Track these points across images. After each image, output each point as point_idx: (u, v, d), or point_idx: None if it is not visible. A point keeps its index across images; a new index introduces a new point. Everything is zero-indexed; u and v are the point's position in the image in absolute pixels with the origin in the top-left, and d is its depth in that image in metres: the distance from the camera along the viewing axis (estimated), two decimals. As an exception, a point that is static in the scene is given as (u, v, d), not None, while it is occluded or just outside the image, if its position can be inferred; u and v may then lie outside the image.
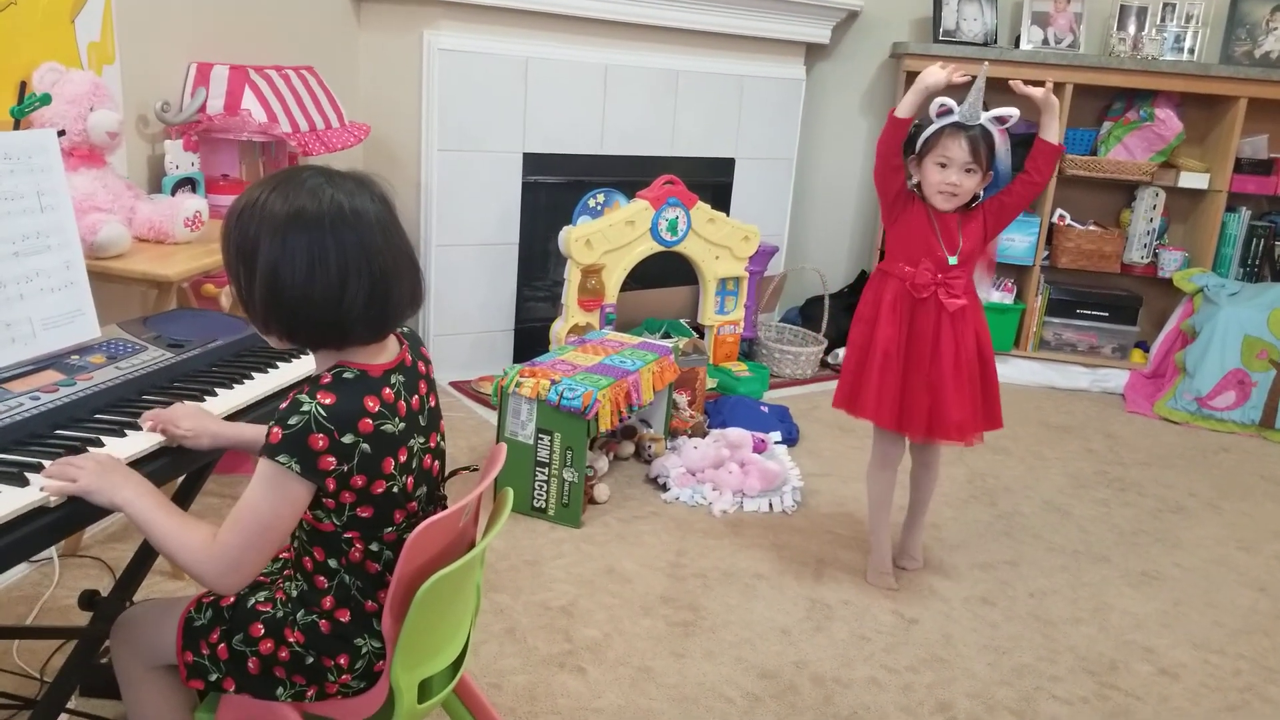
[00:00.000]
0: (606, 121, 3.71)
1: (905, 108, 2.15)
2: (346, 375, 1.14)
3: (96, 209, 1.97)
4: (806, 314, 4.34)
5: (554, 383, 2.46)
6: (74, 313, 1.53)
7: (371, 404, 1.13)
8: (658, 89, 3.79)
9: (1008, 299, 4.14)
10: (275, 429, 1.09)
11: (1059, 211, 4.10)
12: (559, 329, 3.43)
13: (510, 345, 3.73)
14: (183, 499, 1.75)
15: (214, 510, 2.38)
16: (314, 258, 1.09)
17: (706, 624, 2.12)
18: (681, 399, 3.13)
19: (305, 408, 1.09)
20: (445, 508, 1.31)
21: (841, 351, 4.06)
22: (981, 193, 2.19)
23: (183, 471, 1.35)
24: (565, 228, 3.38)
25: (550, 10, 3.42)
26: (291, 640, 1.20)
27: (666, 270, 3.78)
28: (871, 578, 2.37)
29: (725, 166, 4.09)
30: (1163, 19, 3.95)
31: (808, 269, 4.22)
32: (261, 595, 1.25)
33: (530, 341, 3.70)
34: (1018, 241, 4.07)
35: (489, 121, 3.44)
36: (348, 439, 1.10)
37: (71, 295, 1.52)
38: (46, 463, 1.14)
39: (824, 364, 4.05)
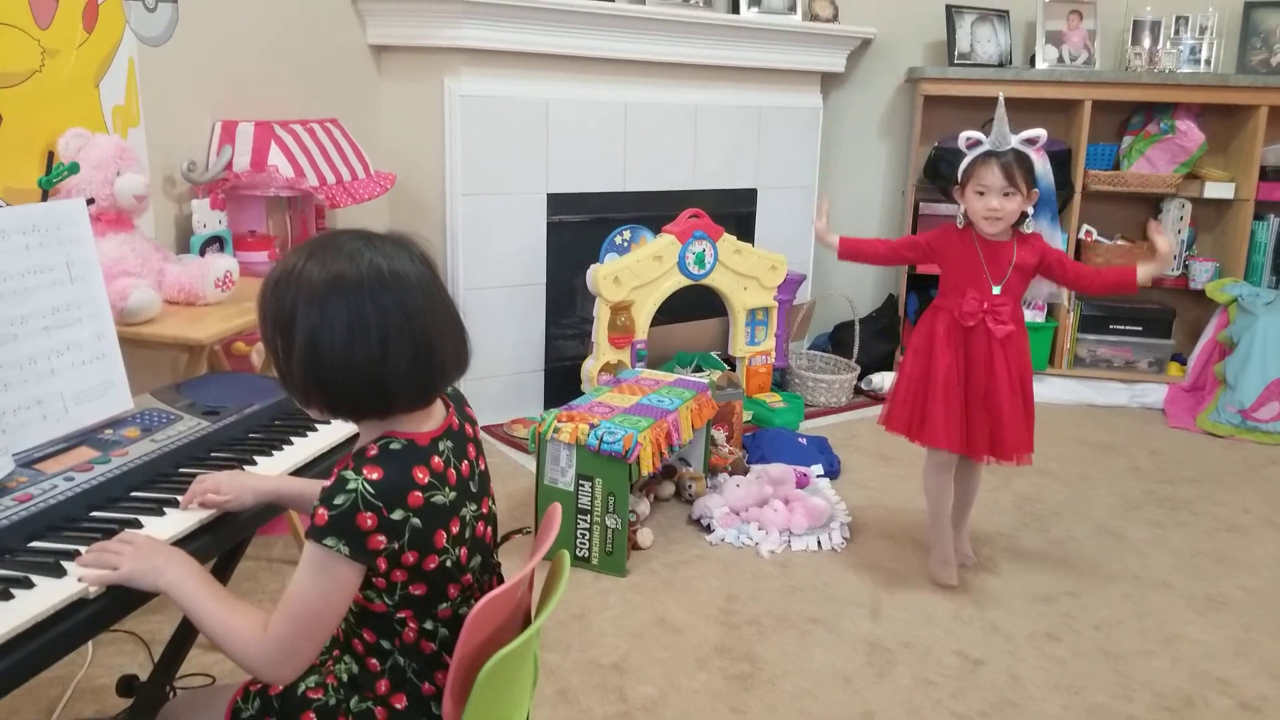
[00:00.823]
0: (629, 158, 3.69)
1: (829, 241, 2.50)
2: (393, 446, 1.09)
3: (126, 274, 1.95)
4: (836, 340, 4.29)
5: (593, 426, 2.41)
6: (106, 385, 1.49)
7: (421, 475, 1.08)
8: (678, 124, 3.77)
9: (1039, 317, 4.08)
10: (320, 510, 1.04)
11: (1085, 227, 4.05)
12: (590, 367, 3.38)
13: (541, 386, 3.68)
14: (222, 570, 1.71)
15: (250, 574, 2.33)
16: (353, 324, 1.05)
17: (765, 675, 2.06)
18: (719, 435, 3.07)
19: (351, 485, 1.04)
20: (500, 575, 1.26)
21: (877, 377, 4.06)
22: (1031, 210, 2.24)
23: (226, 547, 1.30)
24: (593, 265, 3.34)
25: (569, 53, 3.41)
26: (347, 729, 1.15)
27: (695, 303, 3.74)
28: (934, 568, 2.45)
29: (748, 197, 4.06)
30: (1176, 31, 3.91)
31: (836, 295, 4.17)
32: (312, 680, 1.20)
33: (561, 381, 3.65)
34: (1046, 259, 4.01)
35: (512, 163, 3.42)
36: (397, 515, 1.05)
37: (103, 367, 1.48)
38: (83, 549, 1.10)
39: (857, 390, 3.99)
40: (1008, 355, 2.28)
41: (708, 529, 2.70)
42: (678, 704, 1.94)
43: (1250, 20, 3.86)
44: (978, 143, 2.24)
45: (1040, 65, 3.95)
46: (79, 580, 1.05)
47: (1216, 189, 3.86)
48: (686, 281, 3.48)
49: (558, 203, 3.56)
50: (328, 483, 1.06)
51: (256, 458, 1.44)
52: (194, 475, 1.34)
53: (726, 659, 2.11)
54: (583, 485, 2.43)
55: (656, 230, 3.50)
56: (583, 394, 3.43)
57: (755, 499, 2.74)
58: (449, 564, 1.12)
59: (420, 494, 1.07)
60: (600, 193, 3.65)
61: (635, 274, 3.35)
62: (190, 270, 2.02)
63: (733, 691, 1.99)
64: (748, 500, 2.74)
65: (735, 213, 3.99)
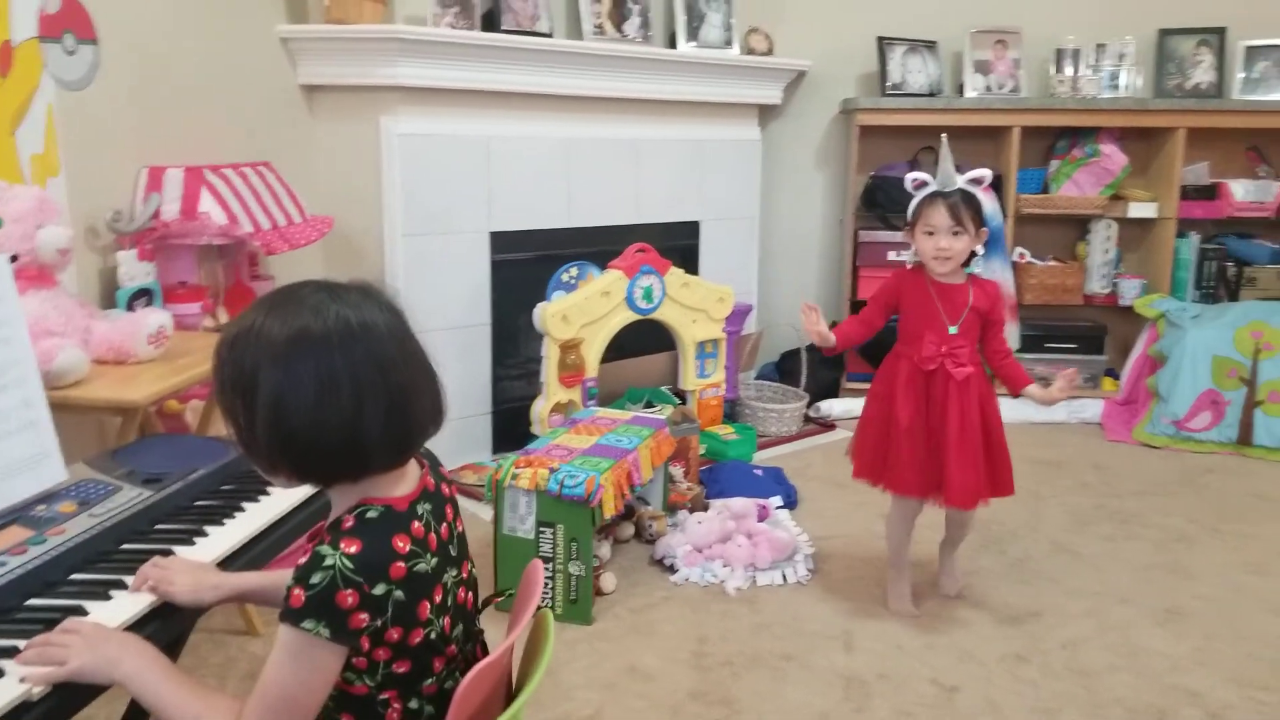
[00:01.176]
0: (572, 194, 3.66)
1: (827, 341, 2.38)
2: (370, 515, 1.02)
3: (49, 333, 1.83)
4: (783, 369, 4.30)
5: (553, 471, 2.36)
6: (37, 456, 1.39)
7: (401, 544, 1.02)
8: (620, 158, 3.76)
9: (978, 339, 4.15)
10: (296, 591, 0.96)
11: (1019, 250, 4.14)
12: (541, 408, 3.32)
13: (489, 429, 3.60)
14: (169, 651, 1.60)
15: (190, 648, 2.20)
16: (322, 381, 0.98)
17: (741, 719, 2.01)
18: (677, 471, 3.03)
19: (328, 561, 0.97)
20: (484, 643, 1.20)
21: (825, 404, 4.08)
22: (981, 250, 2.27)
23: (179, 631, 1.21)
24: (540, 304, 3.29)
25: (508, 89, 3.37)
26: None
27: (643, 338, 3.71)
28: (892, 604, 2.45)
29: (691, 230, 4.06)
30: (1097, 59, 4.04)
31: (782, 324, 4.19)
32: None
33: (509, 423, 3.58)
34: (983, 282, 4.09)
35: (453, 203, 3.36)
36: (379, 589, 0.98)
37: (33, 437, 1.39)
38: (22, 644, 1.00)
39: (806, 418, 4.00)
40: (961, 398, 2.25)
41: (671, 569, 2.65)
42: (657, 754, 1.89)
43: (1164, 46, 4.02)
44: (924, 184, 2.27)
45: (969, 94, 4.05)
46: (21, 681, 0.96)
47: (1140, 209, 3.99)
48: (635, 317, 3.45)
49: (501, 241, 3.51)
50: (302, 559, 0.99)
51: (207, 528, 1.36)
52: (138, 553, 1.25)
53: (702, 704, 2.06)
54: (544, 532, 2.37)
55: (603, 266, 3.47)
56: (533, 436, 3.38)
57: (718, 535, 2.71)
58: (433, 636, 1.06)
59: (403, 564, 1.01)
60: (544, 229, 3.61)
61: (584, 311, 3.31)
62: (119, 327, 1.91)
63: (712, 737, 1.95)
64: (711, 537, 2.70)
65: (679, 245, 3.99)
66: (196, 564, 1.22)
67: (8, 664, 0.98)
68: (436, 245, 3.36)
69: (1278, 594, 2.55)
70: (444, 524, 1.09)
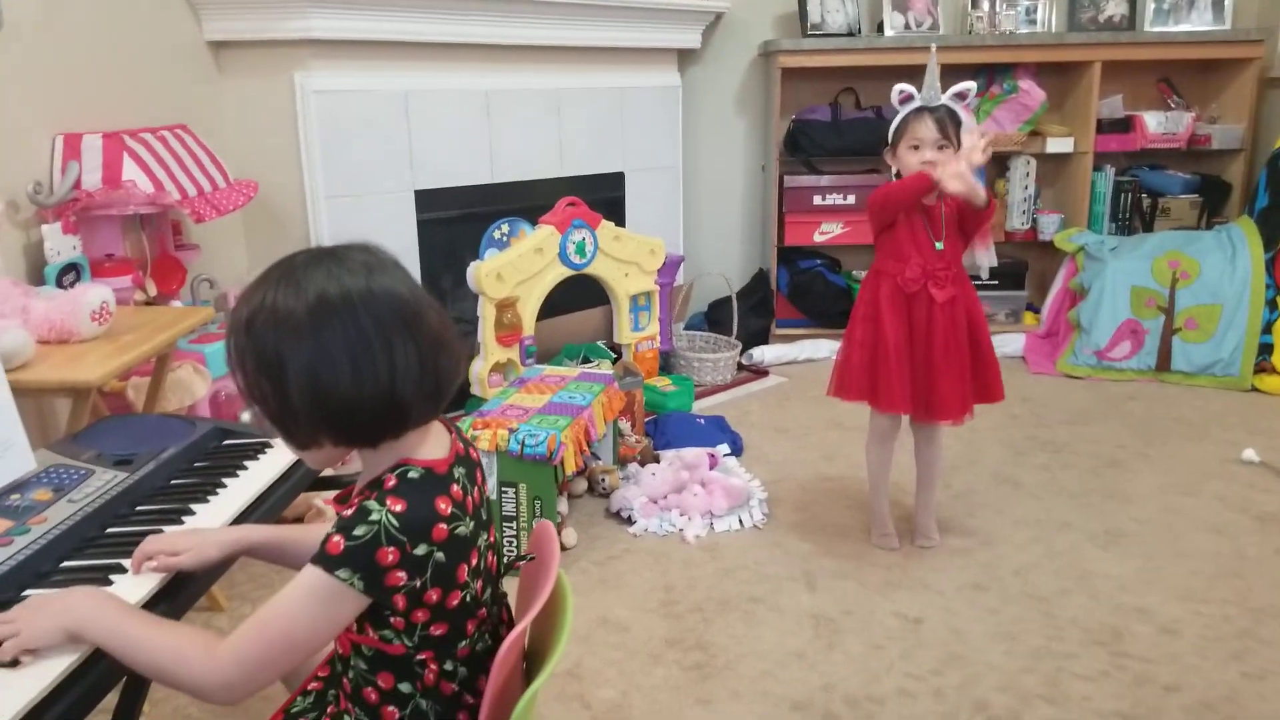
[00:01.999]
0: (495, 149, 3.56)
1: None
2: (412, 475, 1.00)
3: (-17, 314, 1.71)
4: (712, 318, 4.31)
5: (512, 431, 2.32)
6: (3, 445, 1.30)
7: (443, 506, 1.00)
8: (541, 110, 3.68)
9: (905, 279, 4.23)
10: (336, 538, 0.95)
11: (941, 189, 4.21)
12: (479, 369, 3.26)
13: (425, 393, 3.52)
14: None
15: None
16: (354, 346, 0.96)
17: (720, 661, 2.04)
18: (625, 425, 3.03)
19: (374, 516, 0.95)
20: (507, 605, 1.19)
21: (757, 352, 4.11)
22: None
23: (184, 611, 1.16)
24: (473, 263, 3.22)
25: (425, 39, 3.25)
26: (364, 785, 1.05)
27: (576, 294, 3.66)
28: (875, 539, 2.52)
29: (616, 181, 4.01)
30: (1009, -3, 4.11)
31: (712, 274, 4.19)
32: (325, 730, 1.09)
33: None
34: (907, 222, 4.15)
35: (375, 161, 3.24)
36: (421, 550, 0.97)
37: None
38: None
39: (740, 367, 4.02)
40: (947, 317, 2.27)
41: (629, 521, 2.66)
42: (642, 703, 1.90)
43: (1076, -20, 4.11)
44: (910, 98, 2.25)
45: (889, 33, 4.07)
46: None
47: (1057, 144, 4.10)
48: (569, 272, 3.40)
49: (426, 199, 3.40)
50: (347, 512, 0.97)
51: (193, 506, 1.30)
52: (128, 535, 1.20)
53: (679, 650, 2.08)
54: (505, 492, 2.34)
55: (533, 222, 3.40)
56: (472, 397, 3.33)
57: (672, 485, 2.72)
58: (469, 599, 1.05)
59: (445, 526, 0.99)
60: (468, 186, 3.52)
61: (518, 269, 3.25)
62: (59, 305, 1.79)
63: (693, 682, 1.97)
64: (665, 487, 2.71)
65: (605, 198, 3.93)
66: (194, 529, 1.18)
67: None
68: (361, 207, 3.24)
69: (1208, 513, 2.69)
70: (475, 488, 1.08)
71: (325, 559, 0.95)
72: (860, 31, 4.13)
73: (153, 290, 2.45)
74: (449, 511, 1.00)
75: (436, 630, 1.03)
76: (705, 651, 2.07)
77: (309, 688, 1.22)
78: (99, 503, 1.26)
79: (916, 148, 2.22)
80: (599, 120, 3.87)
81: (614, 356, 3.62)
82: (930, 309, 2.29)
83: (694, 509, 2.64)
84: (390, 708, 1.05)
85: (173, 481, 1.40)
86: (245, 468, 1.45)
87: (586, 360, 3.60)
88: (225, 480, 1.40)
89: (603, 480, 2.81)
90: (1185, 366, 3.74)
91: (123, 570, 1.12)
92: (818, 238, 4.19)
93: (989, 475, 2.97)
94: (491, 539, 1.12)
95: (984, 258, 2.50)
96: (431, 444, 1.06)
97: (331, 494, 1.18)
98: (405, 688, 1.05)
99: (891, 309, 2.31)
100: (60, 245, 2.11)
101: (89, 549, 1.17)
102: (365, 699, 1.06)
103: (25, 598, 1.05)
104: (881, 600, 2.27)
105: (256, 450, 1.51)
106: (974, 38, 4.03)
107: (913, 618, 2.19)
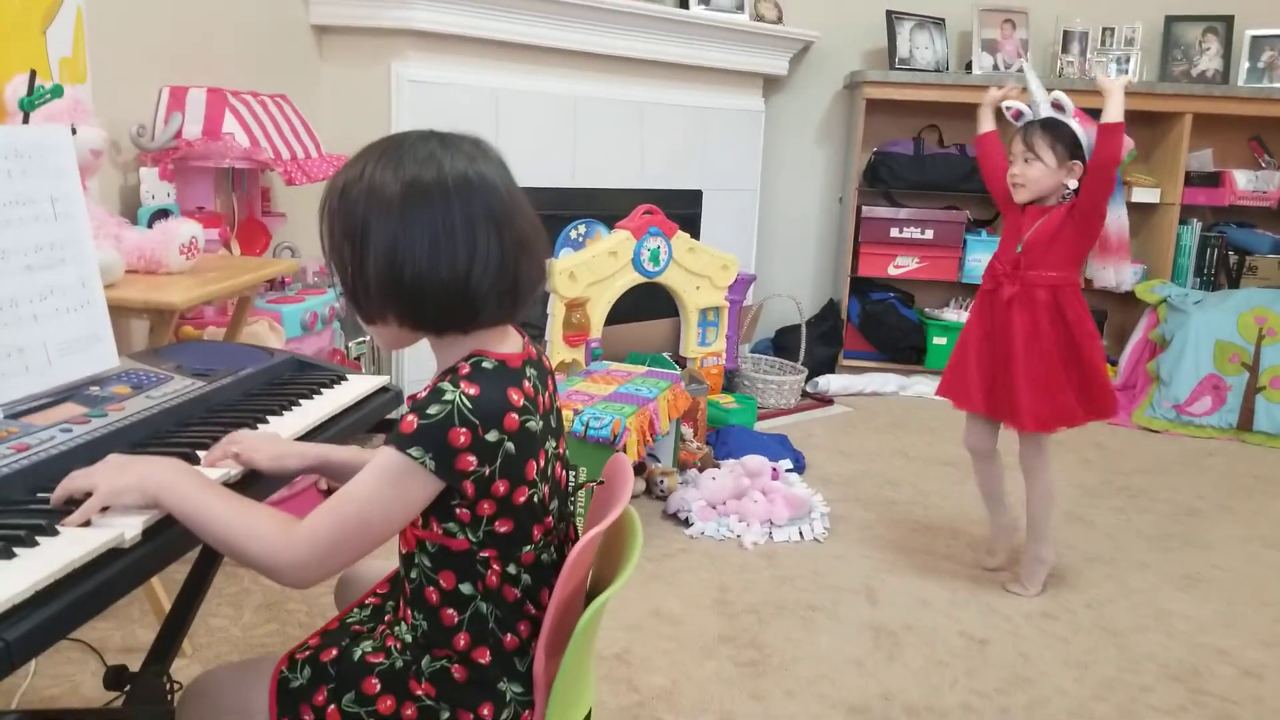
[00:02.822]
0: (577, 154, 3.60)
1: (979, 125, 2.39)
2: (485, 364, 0.99)
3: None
4: (779, 344, 4.27)
5: (577, 413, 2.30)
6: (91, 338, 1.31)
7: (515, 396, 0.98)
8: (625, 121, 3.71)
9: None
10: (410, 417, 0.94)
11: (1021, 231, 4.14)
12: (544, 367, 3.25)
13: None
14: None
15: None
16: (437, 233, 0.95)
17: (775, 661, 1.96)
18: (687, 430, 2.98)
19: (448, 396, 0.94)
20: (575, 525, 1.16)
21: (823, 380, 4.06)
22: (1074, 184, 2.22)
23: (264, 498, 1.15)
24: (548, 260, 3.22)
25: (518, 40, 3.31)
26: (419, 693, 1.01)
27: (645, 303, 3.65)
28: (984, 558, 2.47)
29: (693, 198, 4.02)
30: (1103, 43, 4.07)
31: (783, 296, 4.16)
32: (367, 645, 1.06)
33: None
34: (983, 262, 4.07)
35: (459, 155, 3.28)
36: (492, 436, 0.95)
37: (88, 318, 1.31)
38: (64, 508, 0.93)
39: (804, 394, 3.97)
40: (1028, 316, 2.20)
41: (686, 523, 2.60)
42: (692, 692, 1.83)
43: (1171, 33, 4.05)
44: (1019, 114, 2.26)
45: (976, 71, 4.05)
46: (61, 526, 0.89)
47: (1144, 194, 4.01)
48: (640, 279, 3.39)
49: (507, 197, 3.43)
50: (420, 393, 0.96)
51: (269, 417, 1.29)
52: (201, 432, 1.19)
53: (733, 647, 2.01)
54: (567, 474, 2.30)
55: (610, 226, 3.41)
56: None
57: (732, 492, 2.66)
58: (536, 500, 1.01)
59: (516, 416, 0.97)
60: (550, 188, 3.55)
61: (591, 270, 3.25)
62: (152, 236, 1.82)
63: (746, 678, 1.90)
64: (725, 493, 2.65)
65: (681, 214, 3.92)
66: (271, 435, 1.16)
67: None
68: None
69: (1291, 563, 2.56)
70: (546, 393, 1.05)
71: (398, 438, 0.94)
72: (948, 69, 4.11)
73: (236, 250, 2.49)
74: (521, 403, 0.98)
75: (501, 527, 1.00)
76: (760, 650, 2.00)
77: (366, 601, 1.19)
78: (176, 402, 1.26)
79: (1011, 161, 2.24)
80: (681, 136, 3.89)
81: (679, 369, 3.58)
82: (1009, 305, 2.23)
83: (753, 516, 2.58)
84: (449, 610, 1.02)
85: (249, 396, 1.39)
86: (320, 393, 1.44)
87: (650, 371, 3.57)
88: (300, 400, 1.39)
89: (661, 482, 2.77)
90: (1269, 427, 3.59)
91: (196, 461, 1.11)
92: (892, 270, 4.14)
93: (1060, 514, 2.85)
94: (561, 449, 1.09)
95: (1113, 274, 2.38)
96: (505, 344, 1.04)
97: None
98: (466, 588, 1.01)
99: (978, 308, 2.33)
100: (155, 189, 2.16)
101: (165, 441, 1.16)
102: (426, 600, 1.02)
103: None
104: (945, 619, 2.18)
105: (333, 379, 1.51)
106: (1063, 81, 3.97)
107: (979, 638, 2.10)
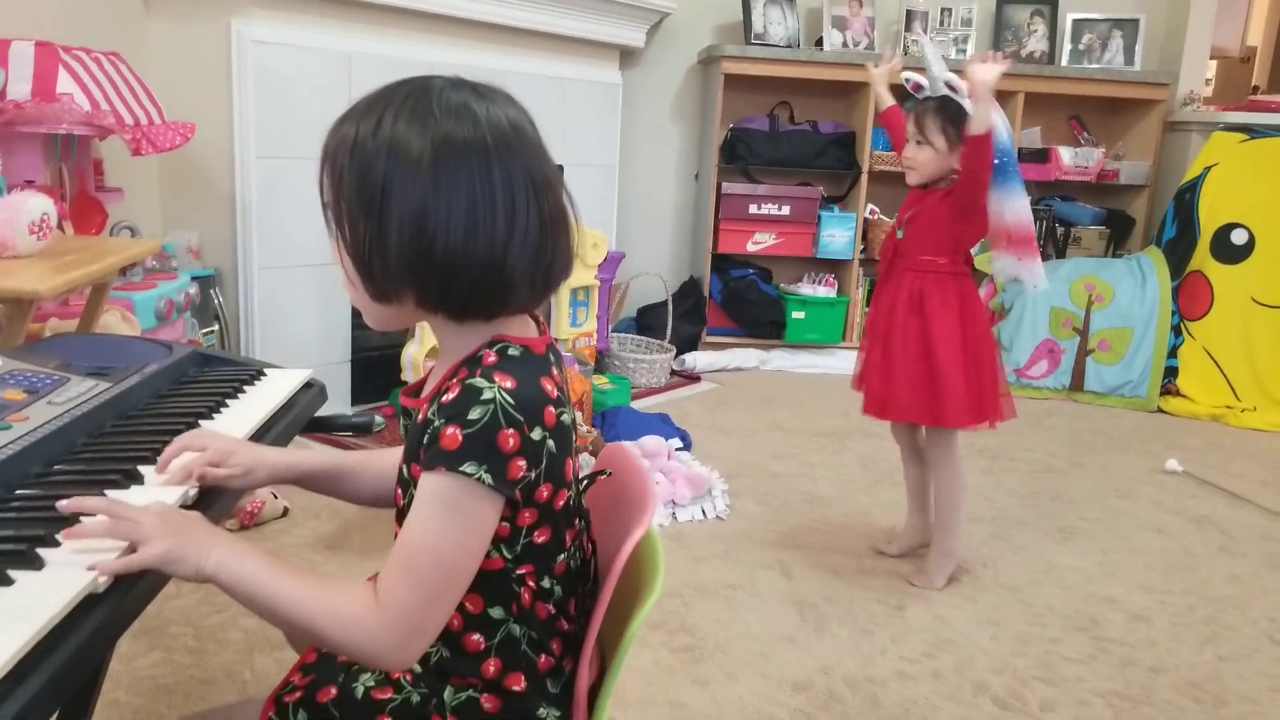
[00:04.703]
0: (437, 125, 3.40)
1: (879, 102, 2.33)
2: (512, 352, 0.86)
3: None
4: (643, 323, 4.23)
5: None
6: (-41, 337, 1.09)
7: (550, 387, 0.86)
8: (486, 90, 3.54)
9: (831, 293, 4.27)
10: (450, 430, 0.79)
11: (870, 207, 4.28)
12: (414, 353, 3.07)
13: (348, 379, 3.30)
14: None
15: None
16: (476, 200, 0.81)
17: (709, 645, 1.92)
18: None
19: (488, 395, 0.80)
20: (589, 523, 1.05)
21: (689, 357, 4.05)
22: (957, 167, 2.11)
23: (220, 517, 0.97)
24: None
25: (372, 0, 3.08)
26: (443, 729, 0.89)
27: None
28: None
29: (554, 173, 3.89)
30: (941, 22, 4.25)
31: (650, 275, 4.12)
32: (369, 679, 0.92)
33: (369, 374, 3.31)
34: (837, 237, 4.20)
35: (311, 124, 2.97)
36: (536, 434, 0.83)
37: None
38: (43, 533, 0.77)
39: (672, 372, 3.95)
40: (895, 304, 2.16)
41: (587, 508, 2.52)
42: (635, 686, 1.76)
43: (1002, 14, 4.28)
44: (919, 87, 2.17)
45: (827, 48, 4.13)
46: (90, 569, 0.72)
47: (981, 169, 4.22)
48: (511, 257, 3.25)
49: (363, 171, 3.20)
50: (449, 395, 0.82)
51: (200, 421, 1.11)
52: (125, 446, 1.00)
53: (664, 633, 1.95)
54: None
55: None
56: (404, 383, 3.12)
57: (630, 473, 2.59)
58: (572, 501, 0.90)
59: (554, 410, 0.85)
60: (409, 162, 3.34)
61: (461, 247, 3.08)
62: (-7, 211, 1.55)
63: (685, 664, 1.84)
64: (623, 475, 2.58)
65: (543, 189, 3.82)
66: (228, 438, 0.98)
67: (49, 553, 0.73)
68: (294, 171, 3.01)
69: (1147, 514, 2.76)
70: (567, 385, 0.93)
71: (442, 456, 0.79)
72: (800, 45, 4.17)
73: (69, 230, 2.18)
74: (555, 394, 0.86)
75: (540, 537, 0.88)
76: (692, 635, 1.96)
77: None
78: (85, 409, 1.06)
79: (906, 142, 2.17)
80: (539, 109, 3.69)
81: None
82: (885, 291, 2.21)
83: (657, 497, 2.52)
84: (474, 635, 0.89)
85: (163, 399, 1.19)
86: (244, 391, 1.26)
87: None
88: (226, 401, 1.21)
89: (553, 467, 2.66)
90: (1097, 386, 3.89)
91: (138, 478, 0.93)
92: (751, 247, 4.18)
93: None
94: (579, 441, 0.99)
95: (1014, 267, 2.23)
96: (526, 328, 0.92)
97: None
98: (497, 612, 0.89)
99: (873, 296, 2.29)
100: (-20, 160, 1.85)
101: (87, 453, 0.97)
102: (446, 627, 0.89)
103: (22, 497, 0.85)
104: (859, 589, 2.20)
105: (252, 375, 1.32)
106: (909, 60, 4.11)
107: (895, 604, 2.14)
